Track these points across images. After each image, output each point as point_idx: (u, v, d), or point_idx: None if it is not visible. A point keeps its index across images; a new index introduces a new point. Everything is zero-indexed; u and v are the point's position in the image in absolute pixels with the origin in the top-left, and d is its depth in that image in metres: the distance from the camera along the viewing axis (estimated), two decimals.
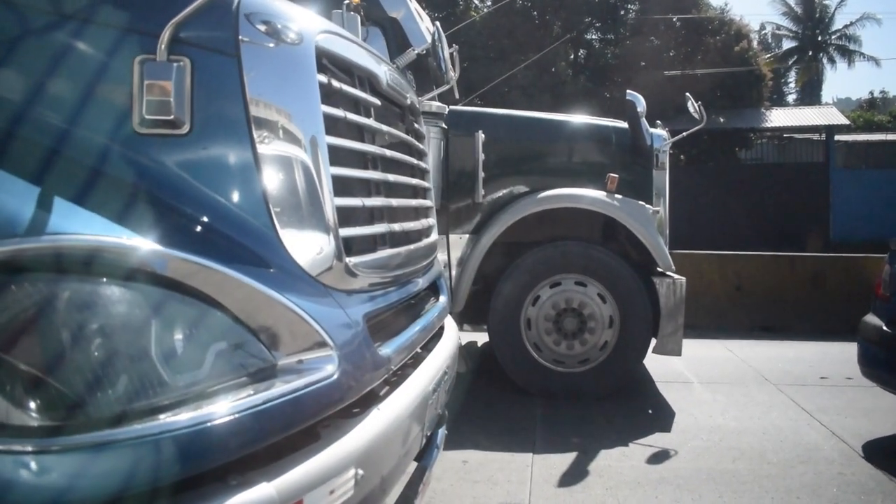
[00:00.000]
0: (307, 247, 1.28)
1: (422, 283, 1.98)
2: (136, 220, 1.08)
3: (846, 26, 33.00)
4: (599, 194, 4.38)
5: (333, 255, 1.33)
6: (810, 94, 32.86)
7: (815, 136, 20.73)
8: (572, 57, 22.17)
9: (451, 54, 3.74)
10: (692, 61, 20.61)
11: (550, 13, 21.21)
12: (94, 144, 1.19)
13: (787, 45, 34.37)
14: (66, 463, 0.86)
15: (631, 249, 4.55)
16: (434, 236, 2.19)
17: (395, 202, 1.75)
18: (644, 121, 4.67)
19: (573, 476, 3.16)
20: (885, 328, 3.55)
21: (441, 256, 4.26)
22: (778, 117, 21.42)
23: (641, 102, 4.65)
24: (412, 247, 1.84)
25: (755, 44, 24.28)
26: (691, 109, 4.70)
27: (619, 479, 3.12)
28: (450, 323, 2.25)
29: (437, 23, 2.98)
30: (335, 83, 1.47)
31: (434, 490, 2.93)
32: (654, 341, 4.37)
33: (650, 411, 4.24)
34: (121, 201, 1.12)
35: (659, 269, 4.39)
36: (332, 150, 1.38)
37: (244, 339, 1.09)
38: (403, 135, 1.96)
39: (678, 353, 4.34)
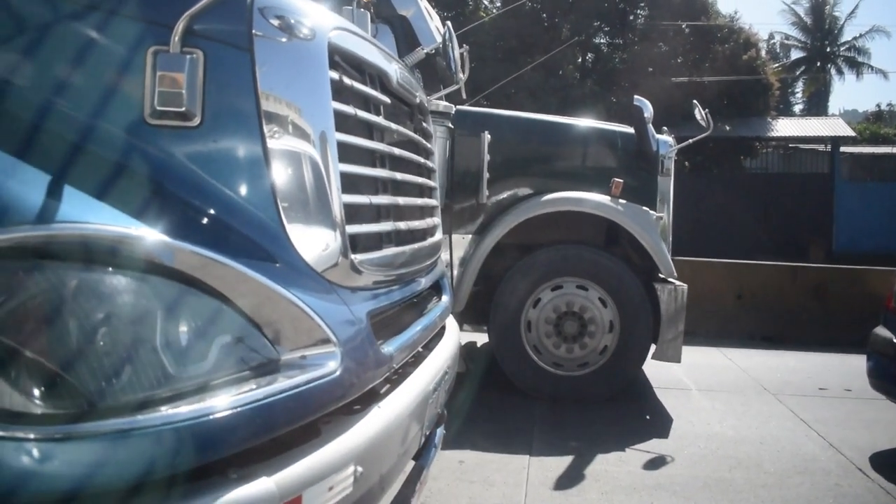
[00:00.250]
0: (313, 243, 1.28)
1: (425, 282, 1.98)
2: (143, 211, 1.08)
3: (855, 38, 33.05)
4: (603, 198, 4.38)
5: (339, 251, 1.33)
6: (817, 105, 32.84)
7: (821, 147, 20.71)
8: (580, 60, 22.15)
9: (462, 55, 3.74)
10: (700, 68, 20.57)
11: (559, 16, 21.19)
12: (104, 134, 1.19)
13: (796, 55, 34.42)
14: (68, 451, 0.87)
15: (633, 255, 4.55)
16: (438, 235, 2.19)
17: (401, 200, 1.75)
18: (650, 127, 4.66)
19: (569, 479, 3.16)
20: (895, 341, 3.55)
21: (443, 256, 4.26)
22: (784, 127, 21.41)
23: (648, 108, 4.65)
24: (417, 245, 1.84)
25: (763, 53, 24.24)
26: (698, 117, 4.70)
27: (615, 483, 3.12)
28: (451, 323, 2.25)
29: (449, 23, 2.97)
30: (346, 80, 1.47)
31: (430, 489, 2.93)
32: (653, 347, 4.37)
33: (648, 417, 4.24)
34: (129, 191, 1.12)
35: (661, 276, 4.39)
36: (341, 146, 1.38)
37: (248, 332, 1.09)
38: (412, 133, 1.96)
39: (678, 359, 4.35)
